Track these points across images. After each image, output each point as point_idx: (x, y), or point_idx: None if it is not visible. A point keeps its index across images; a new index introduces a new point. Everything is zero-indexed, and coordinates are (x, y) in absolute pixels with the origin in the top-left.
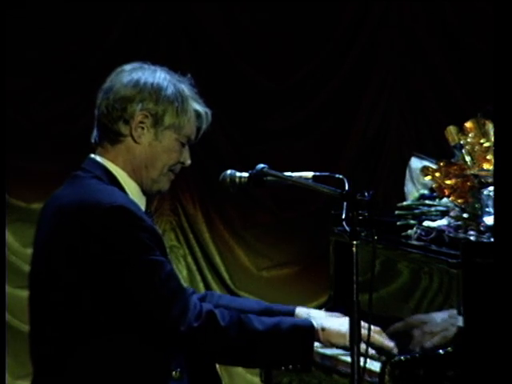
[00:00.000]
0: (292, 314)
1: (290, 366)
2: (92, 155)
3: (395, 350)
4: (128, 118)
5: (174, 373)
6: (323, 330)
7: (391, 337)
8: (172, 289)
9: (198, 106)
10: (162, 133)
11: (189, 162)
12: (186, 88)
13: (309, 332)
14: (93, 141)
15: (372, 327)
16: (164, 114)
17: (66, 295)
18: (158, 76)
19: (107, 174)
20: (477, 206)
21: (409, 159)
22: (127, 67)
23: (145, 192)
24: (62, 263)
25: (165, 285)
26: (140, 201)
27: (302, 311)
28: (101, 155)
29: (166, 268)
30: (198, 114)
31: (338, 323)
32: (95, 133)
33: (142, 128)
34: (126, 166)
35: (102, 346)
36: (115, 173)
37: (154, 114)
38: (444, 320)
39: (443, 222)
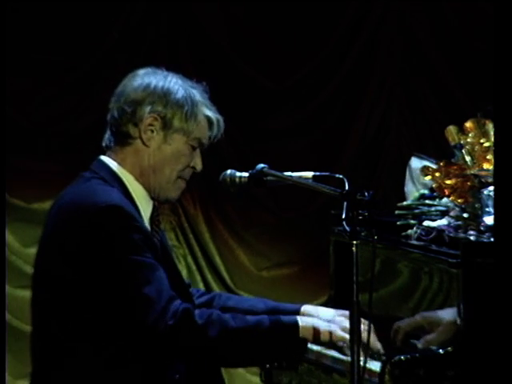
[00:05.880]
0: (298, 312)
1: (276, 364)
2: (101, 156)
3: (382, 351)
4: (137, 121)
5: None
6: (309, 328)
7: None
8: (156, 291)
9: (209, 112)
10: (172, 136)
11: (200, 167)
12: (197, 93)
13: (292, 328)
14: (103, 144)
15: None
16: (173, 117)
17: (63, 294)
18: (169, 80)
19: (112, 176)
20: (477, 205)
21: (409, 159)
22: (140, 71)
23: (153, 197)
24: (58, 262)
25: (149, 286)
26: (146, 205)
27: (307, 309)
28: (109, 157)
29: (154, 270)
30: (209, 121)
31: (327, 323)
32: (106, 136)
33: (152, 131)
34: (133, 168)
35: (99, 347)
36: (121, 175)
37: (163, 116)
38: (450, 316)
39: (443, 221)
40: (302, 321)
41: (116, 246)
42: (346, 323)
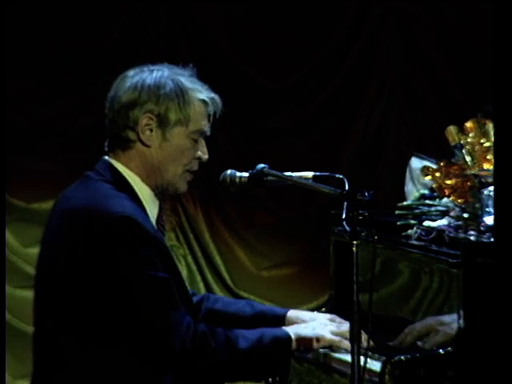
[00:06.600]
0: (283, 317)
1: (270, 380)
2: (106, 157)
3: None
4: (133, 125)
5: None
6: (300, 338)
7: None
8: (168, 308)
9: (201, 94)
10: (170, 132)
11: (206, 156)
12: (185, 80)
13: (287, 345)
14: (106, 149)
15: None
16: (167, 111)
17: (67, 298)
18: (155, 75)
19: (119, 179)
20: (477, 205)
21: (409, 159)
22: (129, 73)
23: (158, 196)
24: (65, 266)
25: (161, 303)
26: (153, 206)
27: (293, 314)
28: (114, 159)
29: (165, 285)
30: (204, 103)
31: (311, 328)
32: (107, 141)
33: (150, 130)
34: (138, 170)
35: (104, 352)
36: (128, 177)
37: (157, 114)
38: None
39: (443, 221)
40: (293, 333)
41: (128, 260)
42: (331, 327)
